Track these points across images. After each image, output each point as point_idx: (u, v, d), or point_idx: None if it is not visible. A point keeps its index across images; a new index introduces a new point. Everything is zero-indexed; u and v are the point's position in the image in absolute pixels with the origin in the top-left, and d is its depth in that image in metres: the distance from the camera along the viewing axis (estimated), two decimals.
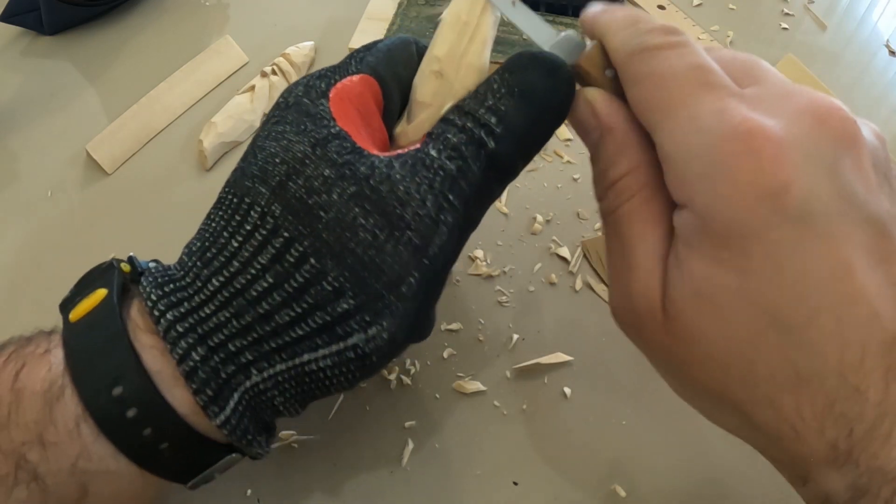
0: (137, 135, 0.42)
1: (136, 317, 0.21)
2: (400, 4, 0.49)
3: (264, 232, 0.20)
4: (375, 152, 0.21)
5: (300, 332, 0.20)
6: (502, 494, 0.28)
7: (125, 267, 0.22)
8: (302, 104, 0.22)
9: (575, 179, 0.40)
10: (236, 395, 0.20)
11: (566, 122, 0.23)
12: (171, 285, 0.21)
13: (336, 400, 0.30)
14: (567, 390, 0.31)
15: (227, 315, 0.20)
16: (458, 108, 0.22)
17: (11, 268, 0.35)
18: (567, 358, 0.32)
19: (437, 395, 0.31)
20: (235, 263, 0.20)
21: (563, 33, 0.23)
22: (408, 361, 0.32)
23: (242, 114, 0.42)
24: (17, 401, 0.19)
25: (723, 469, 0.29)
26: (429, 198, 0.20)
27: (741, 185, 0.17)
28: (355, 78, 0.23)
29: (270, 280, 0.20)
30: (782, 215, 0.17)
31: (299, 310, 0.20)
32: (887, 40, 0.54)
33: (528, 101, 0.21)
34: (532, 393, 0.31)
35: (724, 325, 0.18)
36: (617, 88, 0.22)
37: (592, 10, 0.23)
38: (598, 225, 0.38)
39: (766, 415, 0.18)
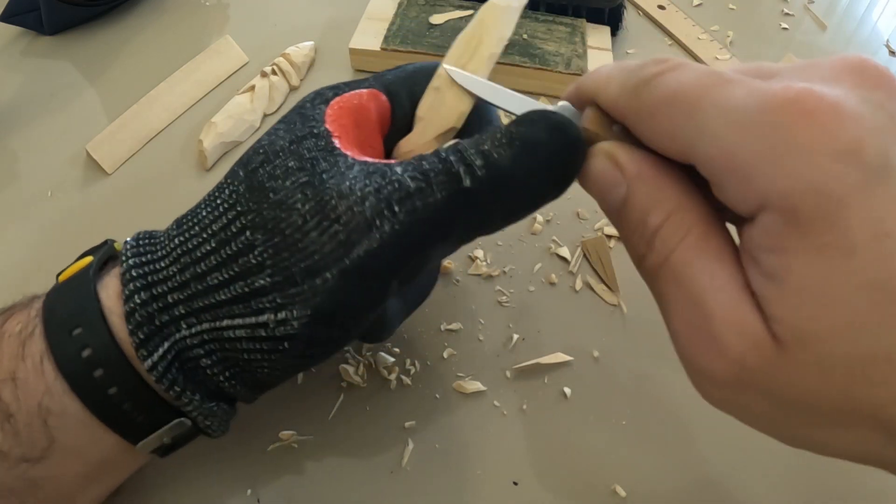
0: (137, 135, 0.42)
1: (113, 270, 0.23)
2: (400, 5, 0.49)
3: (226, 206, 0.22)
4: (352, 155, 0.22)
5: (222, 297, 0.21)
6: (502, 494, 0.28)
7: (118, 245, 0.25)
8: (304, 107, 0.24)
9: None
10: (166, 344, 0.22)
11: (581, 185, 0.22)
12: (148, 240, 0.23)
13: (336, 400, 0.30)
14: (567, 390, 0.31)
15: (175, 270, 0.22)
16: (452, 146, 0.21)
17: (11, 268, 0.35)
18: (567, 358, 0.32)
19: (437, 395, 0.31)
20: (196, 228, 0.22)
21: (557, 104, 0.23)
22: (408, 361, 0.32)
23: (242, 114, 0.42)
24: None
25: (723, 469, 0.29)
26: (370, 199, 0.20)
27: (813, 153, 0.16)
28: (363, 92, 0.24)
29: (213, 245, 0.21)
30: (866, 173, 0.16)
31: (226, 276, 0.21)
32: (887, 40, 0.54)
33: (527, 153, 0.21)
34: (532, 393, 0.31)
35: (849, 319, 0.16)
36: (627, 140, 0.21)
37: (572, 84, 0.22)
38: (598, 225, 0.38)
39: None
